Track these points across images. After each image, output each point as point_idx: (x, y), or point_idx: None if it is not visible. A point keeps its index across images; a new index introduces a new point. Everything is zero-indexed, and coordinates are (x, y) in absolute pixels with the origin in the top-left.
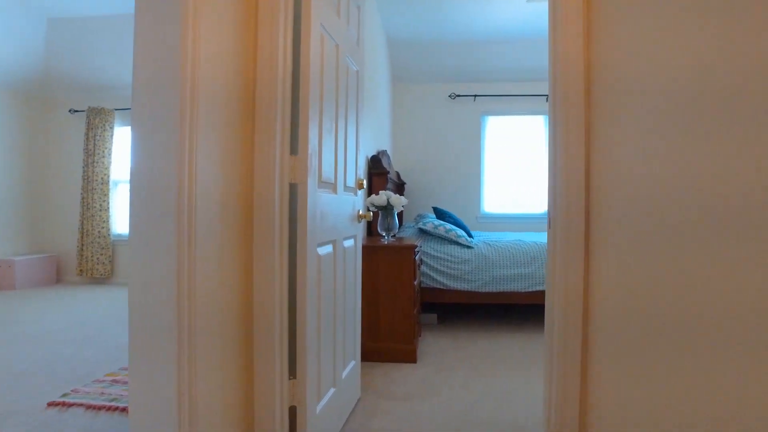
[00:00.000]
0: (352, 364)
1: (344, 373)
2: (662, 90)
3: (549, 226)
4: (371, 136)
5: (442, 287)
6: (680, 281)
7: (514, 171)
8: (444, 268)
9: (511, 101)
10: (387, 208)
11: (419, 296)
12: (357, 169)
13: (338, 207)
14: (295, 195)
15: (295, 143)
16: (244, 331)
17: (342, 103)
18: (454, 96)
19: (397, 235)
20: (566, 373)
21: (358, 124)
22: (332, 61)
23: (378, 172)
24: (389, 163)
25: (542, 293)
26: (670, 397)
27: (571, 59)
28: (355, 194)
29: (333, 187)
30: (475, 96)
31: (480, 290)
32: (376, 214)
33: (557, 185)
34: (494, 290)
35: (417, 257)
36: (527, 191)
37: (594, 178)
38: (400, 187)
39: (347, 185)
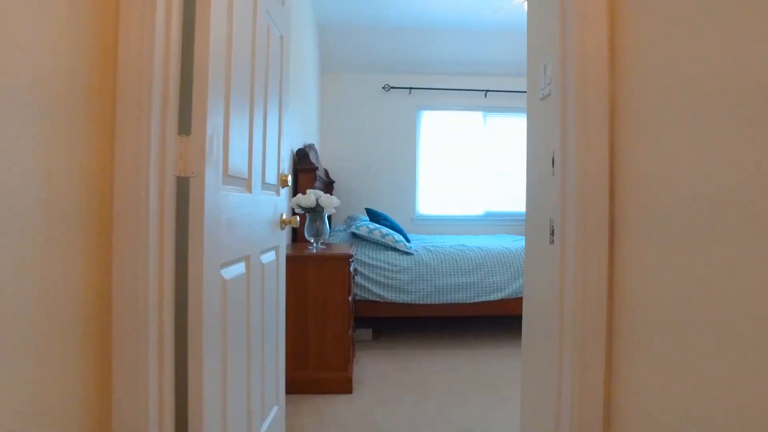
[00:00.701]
0: (275, 411)
1: (264, 427)
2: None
3: (538, 230)
4: (298, 127)
5: (378, 299)
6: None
7: (451, 170)
8: (380, 278)
9: (448, 95)
10: (316, 211)
11: (353, 313)
12: (280, 162)
13: (254, 210)
14: (185, 193)
15: (187, 121)
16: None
17: (260, 75)
18: (387, 88)
19: (327, 242)
20: (584, 387)
21: (282, 106)
22: (246, 18)
23: (305, 168)
24: (317, 159)
25: (488, 304)
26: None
27: (590, 42)
28: (278, 194)
29: (246, 184)
30: (411, 89)
31: (420, 302)
32: (303, 217)
33: (567, 190)
34: (436, 302)
35: (351, 267)
36: (465, 191)
37: (621, 180)
38: (328, 186)
39: (266, 182)
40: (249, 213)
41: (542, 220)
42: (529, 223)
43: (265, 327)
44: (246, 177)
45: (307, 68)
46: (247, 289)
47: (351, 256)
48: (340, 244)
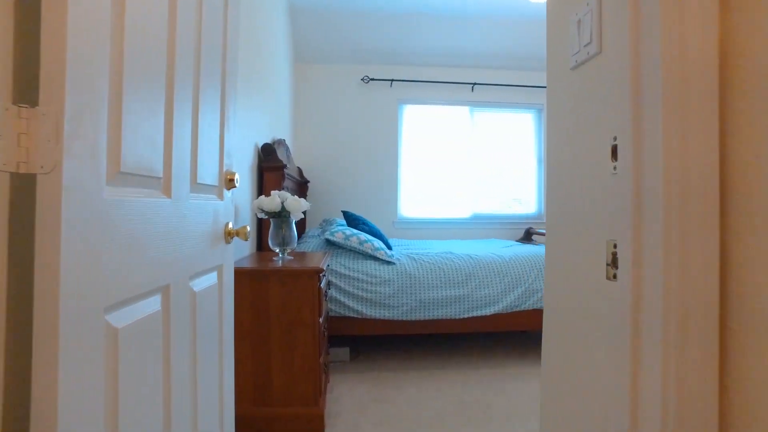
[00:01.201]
0: None
1: None
2: None
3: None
4: (265, 120)
5: (356, 316)
6: None
7: (435, 169)
8: (358, 291)
9: (433, 88)
10: (282, 216)
11: (327, 334)
12: (223, 158)
13: (178, 222)
14: (29, 200)
15: (34, 87)
16: None
17: (187, 38)
18: (367, 80)
19: (297, 249)
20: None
21: (226, 84)
22: None
23: (272, 166)
24: (288, 156)
25: (479, 320)
26: None
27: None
28: (220, 197)
29: (161, 185)
30: (392, 81)
31: (404, 318)
32: (267, 223)
33: (646, 197)
34: (422, 318)
35: (323, 282)
36: (450, 192)
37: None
38: (302, 187)
39: (200, 183)
40: (168, 225)
41: (586, 240)
42: (555, 240)
43: (201, 371)
44: (160, 176)
45: (277, 55)
46: (165, 330)
47: (321, 270)
48: (312, 253)
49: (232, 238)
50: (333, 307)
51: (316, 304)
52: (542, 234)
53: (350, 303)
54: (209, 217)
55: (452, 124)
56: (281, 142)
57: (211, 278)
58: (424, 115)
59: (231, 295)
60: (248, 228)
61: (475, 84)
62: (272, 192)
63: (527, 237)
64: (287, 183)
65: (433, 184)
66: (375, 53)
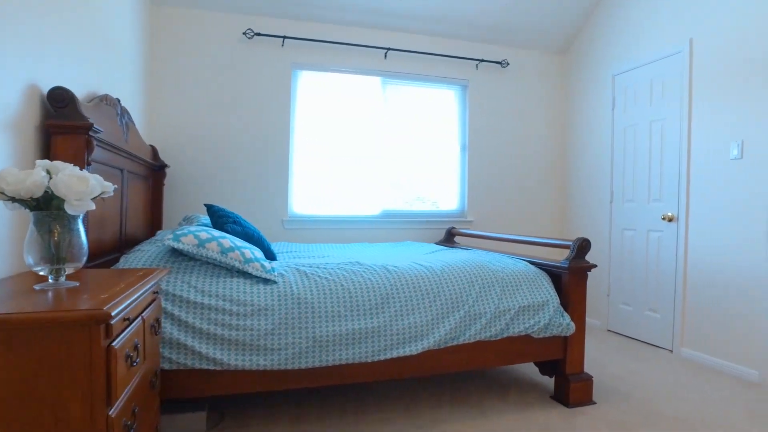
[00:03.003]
0: None
1: None
2: None
3: None
4: (72, 61)
5: (212, 367)
6: None
7: (338, 154)
8: (217, 327)
9: (336, 52)
10: (50, 205)
11: (160, 400)
12: None
13: None
14: None
15: None
16: None
17: None
18: (251, 34)
19: (126, 263)
20: None
21: None
22: None
23: (66, 125)
24: (125, 126)
25: (401, 362)
26: None
27: None
28: None
29: None
30: (284, 38)
31: (290, 367)
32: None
33: None
34: (318, 364)
35: (132, 328)
36: (357, 184)
37: None
38: (156, 173)
39: None
40: None
41: None
42: None
43: None
44: None
45: None
46: None
47: (107, 316)
48: (136, 269)
49: None
50: (172, 356)
51: (98, 386)
52: (467, 235)
53: (202, 347)
54: None
55: (360, 98)
56: (109, 101)
57: None
58: (324, 86)
59: None
60: None
61: (389, 50)
62: (37, 163)
63: (449, 238)
64: (122, 163)
65: (336, 174)
66: (263, 0)
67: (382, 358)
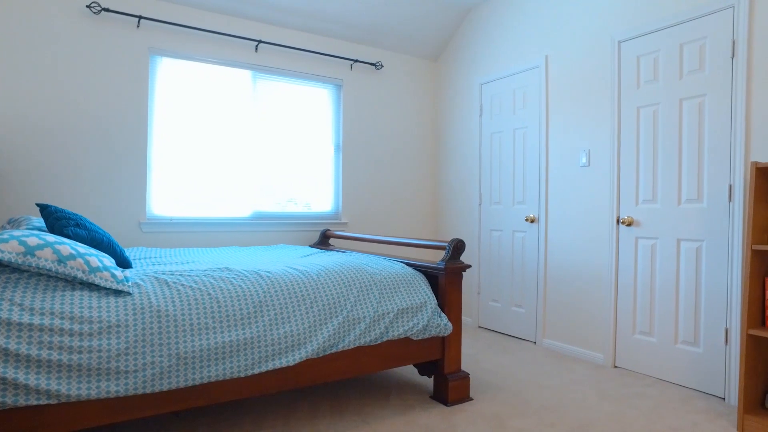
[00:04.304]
0: None
1: None
2: None
3: None
4: None
5: (45, 402)
6: None
7: (204, 152)
8: (51, 351)
9: (202, 39)
10: None
11: None
12: None
13: None
14: None
15: None
16: None
17: None
18: (98, 9)
19: None
20: None
21: None
22: None
23: None
24: None
25: (277, 374)
26: None
27: None
28: None
29: None
30: (140, 18)
31: (149, 390)
32: None
33: None
34: (182, 385)
35: None
36: (225, 184)
37: None
38: None
39: None
40: None
41: None
42: None
43: None
44: None
45: None
46: None
47: None
48: None
49: None
50: None
51: None
52: (343, 237)
53: (30, 379)
54: None
55: (229, 92)
56: None
57: None
58: (189, 76)
59: None
60: None
61: (260, 42)
62: None
63: (324, 241)
64: None
65: (202, 172)
66: None
67: (256, 371)
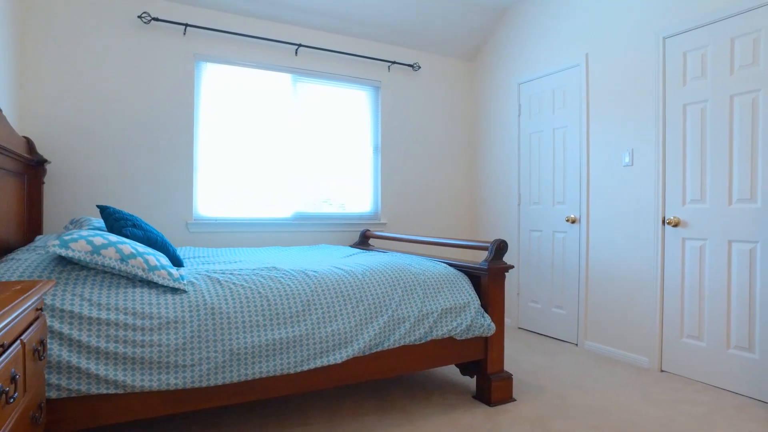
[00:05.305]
0: None
1: None
2: None
3: None
4: None
5: (113, 391)
6: None
7: (247, 154)
8: (117, 345)
9: (244, 45)
10: None
11: None
12: None
13: None
14: None
15: None
16: None
17: None
18: (148, 19)
19: None
20: None
21: None
22: None
23: None
24: None
25: (325, 371)
26: None
27: None
28: None
29: None
30: (186, 26)
31: (205, 384)
32: None
33: None
34: (236, 379)
35: (9, 354)
36: (267, 185)
37: None
38: (33, 169)
39: None
40: None
41: None
42: None
43: None
44: None
45: None
46: None
47: None
48: (17, 281)
49: None
50: (62, 382)
51: None
52: (382, 237)
53: (100, 369)
54: None
55: (270, 95)
56: None
57: None
58: (232, 80)
59: None
60: None
61: (300, 46)
62: None
63: (364, 241)
64: None
65: (245, 174)
66: None
67: (305, 368)
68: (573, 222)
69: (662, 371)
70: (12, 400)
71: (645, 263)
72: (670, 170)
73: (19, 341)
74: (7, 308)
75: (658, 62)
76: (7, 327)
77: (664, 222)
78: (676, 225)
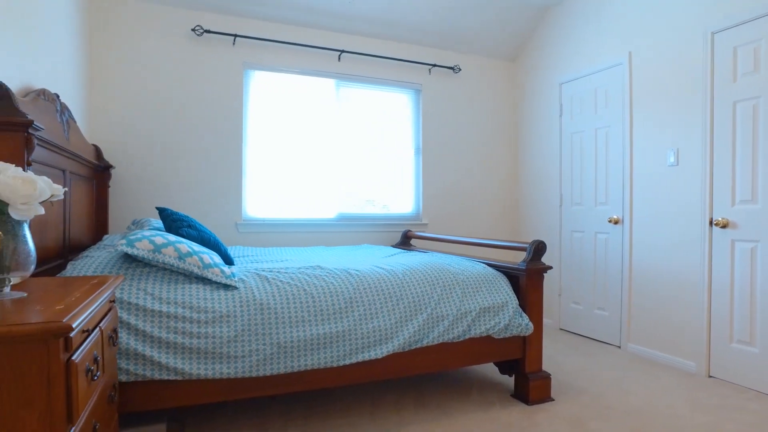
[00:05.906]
0: None
1: None
2: None
3: None
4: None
5: (173, 377)
6: None
7: (292, 157)
8: (176, 336)
9: (289, 52)
10: None
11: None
12: None
13: None
14: None
15: None
16: None
17: None
18: (200, 31)
19: (74, 270)
20: None
21: None
22: None
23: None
24: (65, 123)
25: (366, 366)
26: None
27: None
28: None
29: None
30: (235, 36)
31: (254, 374)
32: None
33: None
34: (282, 371)
35: (93, 337)
36: (312, 187)
37: None
38: (100, 174)
39: None
40: None
41: None
42: None
43: None
44: None
45: None
46: None
47: (67, 328)
48: (88, 277)
49: None
50: (130, 367)
51: (57, 403)
52: (423, 237)
53: (162, 357)
54: None
55: (314, 100)
56: (47, 96)
57: None
58: (278, 86)
59: None
60: None
61: (342, 52)
62: None
63: (405, 241)
64: (64, 164)
65: (291, 176)
66: None
67: (347, 362)
68: (616, 223)
69: (710, 377)
70: (96, 378)
71: (691, 265)
72: (718, 170)
73: (98, 328)
74: (89, 299)
75: (706, 58)
76: (90, 315)
77: (711, 223)
78: (724, 226)
